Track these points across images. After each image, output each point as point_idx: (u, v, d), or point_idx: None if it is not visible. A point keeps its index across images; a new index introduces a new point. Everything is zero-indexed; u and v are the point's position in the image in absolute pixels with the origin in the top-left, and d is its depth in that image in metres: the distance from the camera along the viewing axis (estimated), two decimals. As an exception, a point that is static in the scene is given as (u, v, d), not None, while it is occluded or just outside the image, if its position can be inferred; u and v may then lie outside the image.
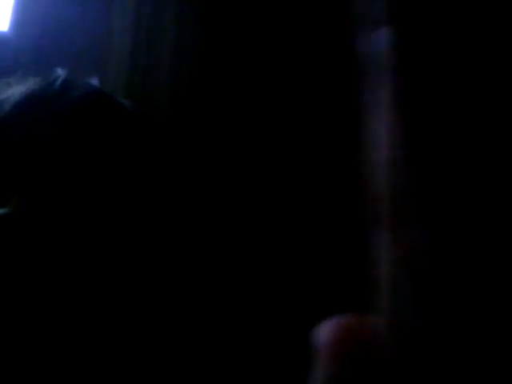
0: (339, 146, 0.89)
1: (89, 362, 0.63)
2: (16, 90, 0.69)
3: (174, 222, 0.82)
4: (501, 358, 0.22)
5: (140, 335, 0.69)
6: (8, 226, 0.61)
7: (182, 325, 0.81)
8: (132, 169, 0.71)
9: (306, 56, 0.92)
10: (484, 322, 0.23)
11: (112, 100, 0.76)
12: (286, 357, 0.83)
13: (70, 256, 0.63)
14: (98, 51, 0.97)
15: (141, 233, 0.69)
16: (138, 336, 0.68)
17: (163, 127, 0.89)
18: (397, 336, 0.23)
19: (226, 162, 0.90)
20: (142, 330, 0.69)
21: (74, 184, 0.65)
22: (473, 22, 0.24)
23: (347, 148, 0.85)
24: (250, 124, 0.91)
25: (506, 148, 0.23)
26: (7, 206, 0.61)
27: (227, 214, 0.90)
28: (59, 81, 0.72)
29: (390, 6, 0.24)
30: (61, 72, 0.75)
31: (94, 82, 0.80)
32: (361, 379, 0.25)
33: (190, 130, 0.92)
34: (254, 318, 0.87)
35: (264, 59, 0.94)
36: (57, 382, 0.62)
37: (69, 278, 0.63)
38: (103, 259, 0.64)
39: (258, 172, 0.90)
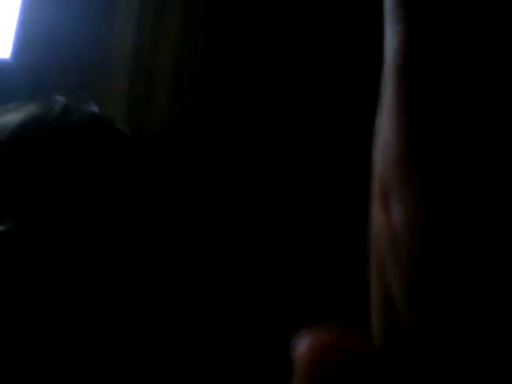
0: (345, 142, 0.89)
1: (88, 362, 0.63)
2: (15, 115, 0.70)
3: (169, 241, 0.82)
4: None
5: (139, 335, 0.68)
6: (4, 244, 0.61)
7: (179, 324, 0.81)
8: (127, 192, 0.71)
9: (309, 59, 0.92)
10: (470, 299, 0.21)
11: (110, 125, 0.77)
12: (269, 363, 0.82)
13: (65, 273, 0.63)
14: (98, 77, 0.98)
15: (136, 253, 0.69)
16: (136, 336, 0.68)
17: (161, 153, 0.90)
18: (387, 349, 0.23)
19: (227, 172, 0.90)
20: (141, 330, 0.69)
21: (69, 206, 0.65)
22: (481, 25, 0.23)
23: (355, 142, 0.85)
24: (253, 132, 0.92)
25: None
26: (4, 224, 0.62)
27: (225, 219, 0.90)
28: (59, 106, 0.73)
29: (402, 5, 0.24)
30: (60, 98, 0.75)
31: (94, 108, 0.81)
32: None
33: (193, 145, 0.92)
34: (248, 319, 0.86)
35: (268, 64, 0.94)
36: (57, 381, 0.62)
37: (66, 295, 0.63)
38: (99, 276, 0.64)
39: (258, 181, 0.90)
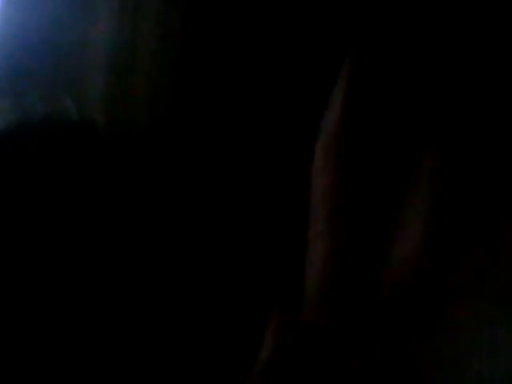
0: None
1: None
2: None
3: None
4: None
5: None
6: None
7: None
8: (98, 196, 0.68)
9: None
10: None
11: (85, 125, 0.74)
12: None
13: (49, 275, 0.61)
14: (77, 74, 0.94)
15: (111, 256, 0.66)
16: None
17: (140, 151, 0.87)
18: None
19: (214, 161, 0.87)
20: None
21: (42, 211, 0.62)
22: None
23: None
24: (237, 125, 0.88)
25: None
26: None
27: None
28: (31, 110, 0.70)
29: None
30: (32, 100, 0.72)
31: (70, 108, 0.77)
32: None
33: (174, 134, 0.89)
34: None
35: (255, 49, 0.91)
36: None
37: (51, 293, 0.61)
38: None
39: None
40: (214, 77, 0.93)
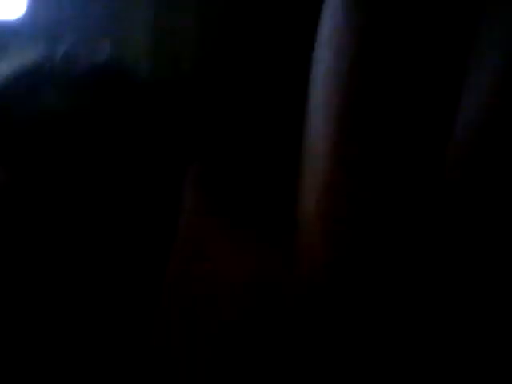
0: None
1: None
2: (7, 65, 0.63)
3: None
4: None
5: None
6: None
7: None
8: (136, 150, 0.64)
9: None
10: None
11: (119, 75, 0.69)
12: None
13: (57, 227, 0.58)
14: (118, 17, 0.89)
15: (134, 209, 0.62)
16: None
17: (181, 98, 0.81)
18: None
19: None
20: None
21: (67, 162, 0.59)
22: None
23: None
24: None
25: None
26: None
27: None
28: (59, 53, 0.65)
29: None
30: (64, 43, 0.67)
31: (106, 53, 0.72)
32: None
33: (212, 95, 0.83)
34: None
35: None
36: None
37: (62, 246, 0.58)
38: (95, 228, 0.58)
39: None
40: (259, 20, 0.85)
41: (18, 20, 0.98)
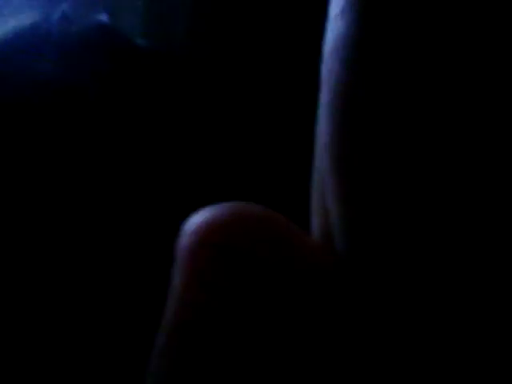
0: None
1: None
2: (8, 24, 0.61)
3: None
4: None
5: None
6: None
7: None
8: (138, 115, 0.63)
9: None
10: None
11: (120, 37, 0.67)
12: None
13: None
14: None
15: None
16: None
17: (181, 69, 0.80)
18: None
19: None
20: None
21: (70, 129, 0.58)
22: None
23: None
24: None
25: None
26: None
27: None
28: (57, 14, 0.64)
29: None
30: (61, 5, 0.66)
31: (103, 17, 0.70)
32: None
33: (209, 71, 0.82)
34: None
35: None
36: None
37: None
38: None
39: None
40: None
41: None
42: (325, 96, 0.19)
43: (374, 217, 0.16)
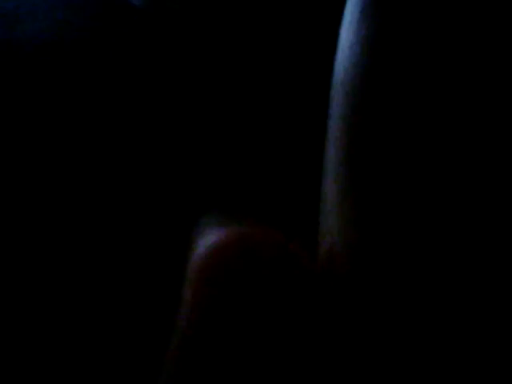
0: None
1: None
2: None
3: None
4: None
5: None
6: None
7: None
8: (134, 77, 0.62)
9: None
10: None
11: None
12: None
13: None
14: None
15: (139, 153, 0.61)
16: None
17: (176, 31, 0.79)
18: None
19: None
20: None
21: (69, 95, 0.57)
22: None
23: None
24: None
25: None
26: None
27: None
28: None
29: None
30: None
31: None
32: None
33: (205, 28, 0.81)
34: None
35: None
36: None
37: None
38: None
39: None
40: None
41: None
42: (333, 130, 0.22)
43: (381, 243, 0.16)
